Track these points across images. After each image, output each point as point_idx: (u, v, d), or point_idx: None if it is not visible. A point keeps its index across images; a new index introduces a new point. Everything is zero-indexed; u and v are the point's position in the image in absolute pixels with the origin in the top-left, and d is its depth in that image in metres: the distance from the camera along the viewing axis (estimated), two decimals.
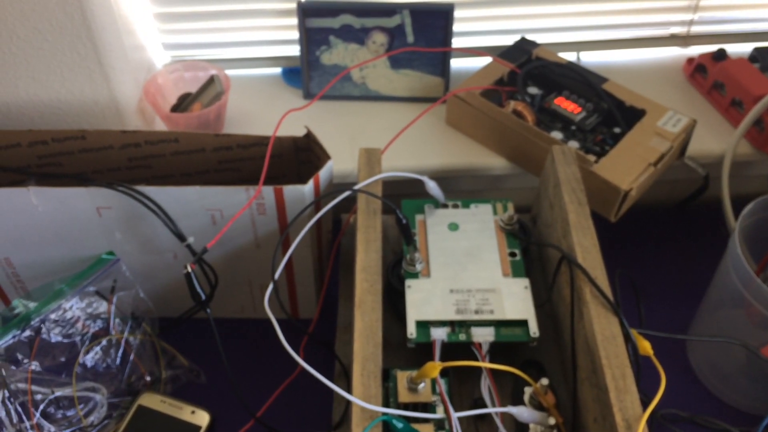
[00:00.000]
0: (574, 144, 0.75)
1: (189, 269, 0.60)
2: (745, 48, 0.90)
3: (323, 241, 0.74)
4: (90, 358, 0.71)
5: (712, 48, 0.88)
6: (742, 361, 0.70)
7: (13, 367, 0.67)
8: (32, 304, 0.68)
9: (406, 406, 0.57)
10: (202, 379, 0.74)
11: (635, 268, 0.83)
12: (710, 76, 0.86)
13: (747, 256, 0.70)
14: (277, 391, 0.71)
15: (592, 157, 0.72)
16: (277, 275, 0.60)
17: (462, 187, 0.85)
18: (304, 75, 0.85)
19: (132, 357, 0.72)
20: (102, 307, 0.71)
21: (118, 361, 0.71)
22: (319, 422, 0.68)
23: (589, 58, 0.92)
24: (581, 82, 0.81)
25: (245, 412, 0.69)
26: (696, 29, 0.91)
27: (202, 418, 0.70)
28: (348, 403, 0.63)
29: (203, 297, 0.62)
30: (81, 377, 0.70)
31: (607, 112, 0.79)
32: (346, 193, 0.64)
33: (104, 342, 0.71)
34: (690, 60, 0.89)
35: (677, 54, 0.93)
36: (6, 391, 0.66)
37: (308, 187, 0.64)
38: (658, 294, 0.80)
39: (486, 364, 0.58)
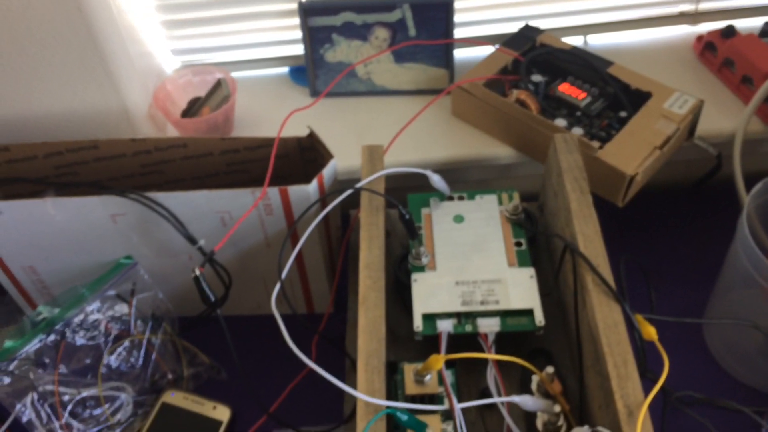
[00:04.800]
0: (578, 130, 0.75)
1: (197, 272, 0.62)
2: (757, 22, 0.88)
3: (332, 238, 0.75)
4: (114, 358, 0.73)
5: (723, 24, 0.86)
6: (760, 340, 0.70)
7: (41, 371, 0.70)
8: (56, 310, 0.71)
9: (413, 399, 0.58)
10: (223, 376, 0.76)
11: (650, 252, 0.82)
12: (720, 53, 0.84)
13: (761, 235, 0.70)
14: (288, 388, 0.73)
15: (596, 143, 0.71)
16: (284, 273, 0.61)
17: (470, 178, 0.85)
18: (309, 73, 0.87)
19: (154, 356, 0.75)
20: (123, 309, 0.74)
21: (141, 360, 0.74)
22: (331, 416, 0.70)
23: (596, 42, 0.92)
24: (586, 67, 0.80)
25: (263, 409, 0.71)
26: (705, 5, 0.90)
27: (224, 413, 0.72)
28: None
29: (212, 299, 0.64)
30: (106, 377, 0.72)
31: (613, 96, 0.78)
32: (348, 192, 0.65)
33: (127, 343, 0.74)
34: (699, 38, 0.88)
35: (687, 32, 0.92)
36: (35, 394, 0.69)
37: (312, 186, 0.66)
38: (674, 277, 0.80)
39: (489, 356, 0.59)
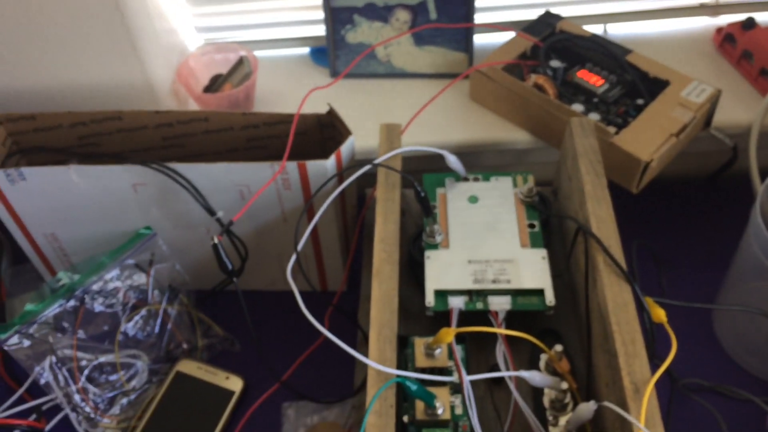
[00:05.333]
0: (595, 116, 0.75)
1: (216, 240, 0.63)
2: None
3: (348, 216, 0.76)
4: (131, 327, 0.75)
5: (743, 17, 0.86)
6: None
7: (60, 335, 0.71)
8: (76, 276, 0.72)
9: (423, 371, 0.59)
10: (237, 348, 0.78)
11: (662, 241, 0.83)
12: (739, 45, 0.84)
13: None
14: (301, 357, 0.74)
15: (612, 129, 0.72)
16: (300, 246, 0.62)
17: (486, 163, 0.86)
18: (330, 54, 0.88)
19: (170, 326, 0.76)
20: (141, 279, 0.75)
21: (157, 329, 0.76)
22: (343, 386, 0.71)
23: (615, 31, 0.92)
24: (605, 54, 0.81)
25: (275, 377, 0.72)
26: None
27: (236, 383, 0.74)
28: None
29: (230, 267, 0.65)
30: (123, 345, 0.74)
31: (631, 84, 0.79)
32: (367, 167, 0.66)
33: (144, 312, 0.75)
34: (719, 30, 0.88)
35: (707, 24, 0.92)
36: (53, 357, 0.71)
37: (330, 162, 0.67)
38: (687, 265, 0.80)
39: (499, 330, 0.60)
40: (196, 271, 0.78)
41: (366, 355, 0.54)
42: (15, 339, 0.70)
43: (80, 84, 0.79)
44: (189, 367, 0.75)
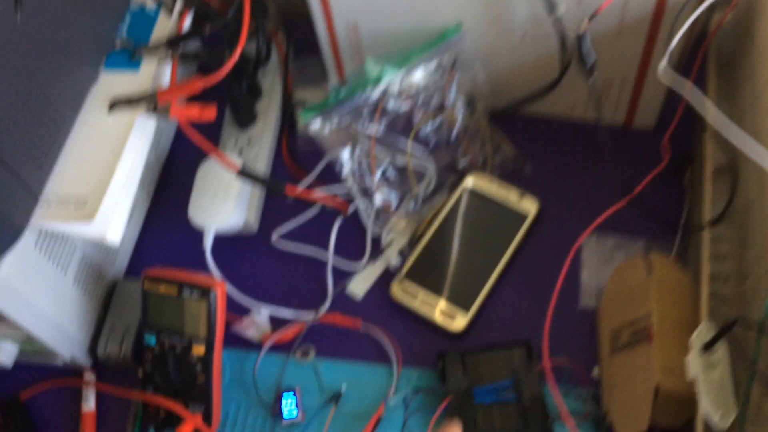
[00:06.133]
0: None
1: (582, 30, 0.56)
2: None
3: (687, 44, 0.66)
4: (426, 130, 0.72)
5: None
6: None
7: (361, 126, 0.69)
8: (381, 69, 0.69)
9: None
10: (528, 170, 0.73)
11: None
12: None
13: None
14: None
15: None
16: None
17: None
18: None
19: (463, 137, 0.72)
20: (441, 82, 0.71)
21: (453, 138, 0.72)
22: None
23: None
24: None
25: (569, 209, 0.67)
26: None
27: (531, 205, 0.69)
28: None
29: (590, 64, 0.58)
30: (415, 148, 0.71)
31: None
32: None
33: (439, 118, 0.72)
34: None
35: None
36: (357, 147, 0.69)
37: None
38: None
39: None
40: (498, 82, 0.72)
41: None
42: (317, 123, 0.69)
43: None
44: (480, 181, 0.71)
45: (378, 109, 0.70)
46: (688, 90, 0.54)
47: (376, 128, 0.69)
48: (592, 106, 0.60)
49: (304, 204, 0.71)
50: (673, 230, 0.66)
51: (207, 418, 0.57)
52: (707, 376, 0.49)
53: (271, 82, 0.77)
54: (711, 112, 0.53)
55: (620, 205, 0.62)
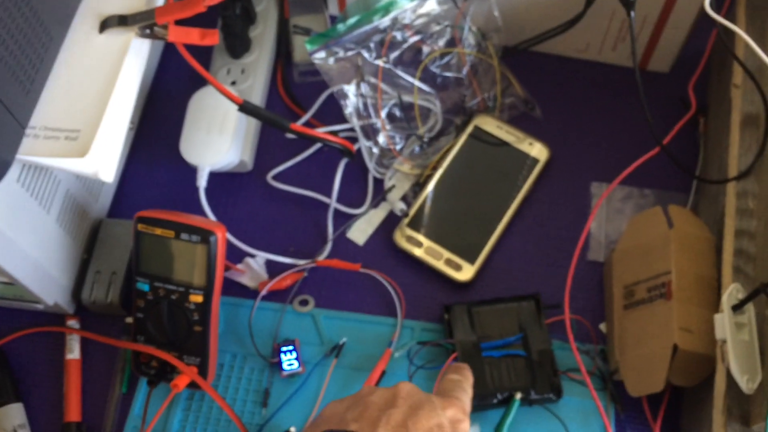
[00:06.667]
0: None
1: None
2: None
3: None
4: (432, 67, 0.67)
5: None
6: None
7: (367, 58, 0.64)
8: None
9: None
10: (537, 113, 0.69)
11: None
12: None
13: None
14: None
15: None
16: None
17: None
18: None
19: (472, 76, 0.68)
20: (452, 14, 0.66)
21: (463, 75, 0.67)
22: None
23: None
24: None
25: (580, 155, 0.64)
26: None
27: (542, 151, 0.66)
28: None
29: None
30: (422, 87, 0.67)
31: None
32: None
33: (448, 56, 0.67)
34: None
35: None
36: (363, 84, 0.64)
37: None
38: None
39: None
40: (512, 18, 0.68)
41: None
42: (322, 53, 0.64)
43: None
44: (488, 123, 0.67)
45: (386, 41, 0.65)
46: (728, 31, 0.51)
47: (383, 61, 0.65)
48: (630, 45, 0.55)
49: (299, 143, 0.66)
50: (685, 183, 0.64)
51: (203, 371, 0.54)
52: (735, 338, 0.47)
53: (265, 6, 0.70)
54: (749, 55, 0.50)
55: (651, 154, 0.59)
